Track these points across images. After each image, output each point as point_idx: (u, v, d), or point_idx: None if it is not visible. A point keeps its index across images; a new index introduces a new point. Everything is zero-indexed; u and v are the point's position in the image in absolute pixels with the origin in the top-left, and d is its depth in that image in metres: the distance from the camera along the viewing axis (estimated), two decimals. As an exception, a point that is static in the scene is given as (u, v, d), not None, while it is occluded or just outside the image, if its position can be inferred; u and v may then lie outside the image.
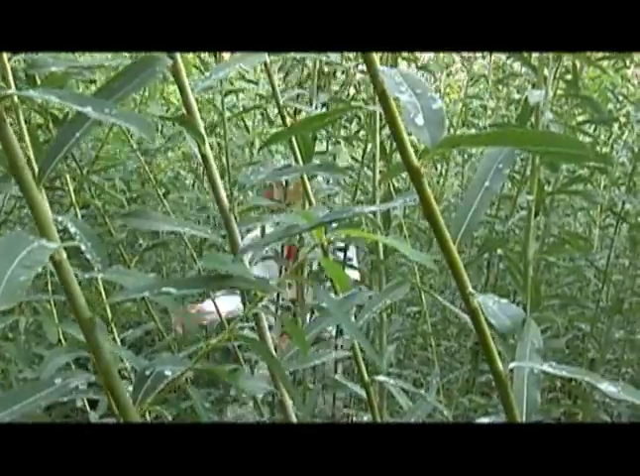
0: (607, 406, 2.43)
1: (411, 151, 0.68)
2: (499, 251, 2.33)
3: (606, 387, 0.75)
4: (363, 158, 2.32)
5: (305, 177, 1.18)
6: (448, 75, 3.15)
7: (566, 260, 2.54)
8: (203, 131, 0.94)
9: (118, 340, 1.74)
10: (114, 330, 1.74)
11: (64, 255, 0.72)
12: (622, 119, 2.72)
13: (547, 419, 2.22)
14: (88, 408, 1.80)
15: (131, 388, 0.79)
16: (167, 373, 0.77)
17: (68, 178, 1.78)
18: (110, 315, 1.65)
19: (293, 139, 1.17)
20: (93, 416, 1.75)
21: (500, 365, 0.76)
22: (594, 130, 2.78)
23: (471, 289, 0.72)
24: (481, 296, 0.70)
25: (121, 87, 0.74)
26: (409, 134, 0.68)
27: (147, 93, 2.48)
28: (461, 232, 0.75)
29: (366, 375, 1.24)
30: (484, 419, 0.87)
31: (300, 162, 1.15)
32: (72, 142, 0.71)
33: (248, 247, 0.80)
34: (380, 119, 1.74)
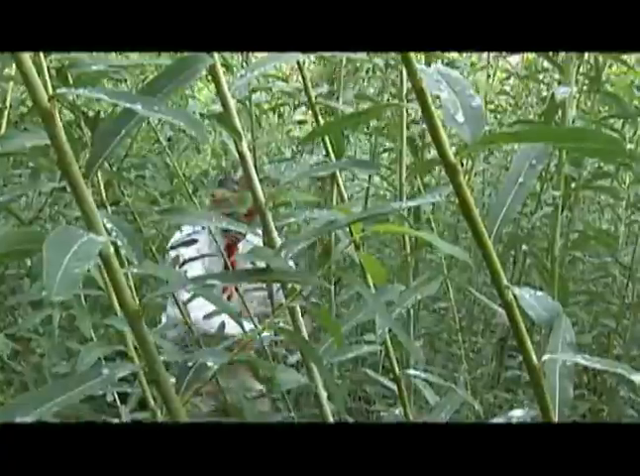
0: (633, 402, 2.43)
1: (448, 147, 0.70)
2: (524, 247, 2.34)
3: (639, 379, 0.76)
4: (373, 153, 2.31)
5: (337, 173, 1.20)
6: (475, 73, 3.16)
7: (591, 256, 2.54)
8: (240, 128, 0.96)
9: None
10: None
11: (112, 249, 0.74)
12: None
13: (573, 415, 2.23)
14: (119, 402, 1.82)
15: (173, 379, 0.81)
16: (210, 364, 0.79)
17: (99, 175, 1.80)
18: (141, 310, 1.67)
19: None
20: (124, 411, 1.77)
21: (535, 358, 0.78)
22: (622, 127, 2.78)
23: (506, 282, 0.74)
24: (517, 288, 0.72)
25: (164, 86, 0.76)
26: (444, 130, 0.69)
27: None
28: (496, 227, 0.76)
29: (397, 369, 1.26)
30: (518, 412, 0.88)
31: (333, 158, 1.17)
32: (119, 138, 0.73)
33: (289, 242, 0.81)
34: (407, 116, 1.75)
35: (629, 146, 2.66)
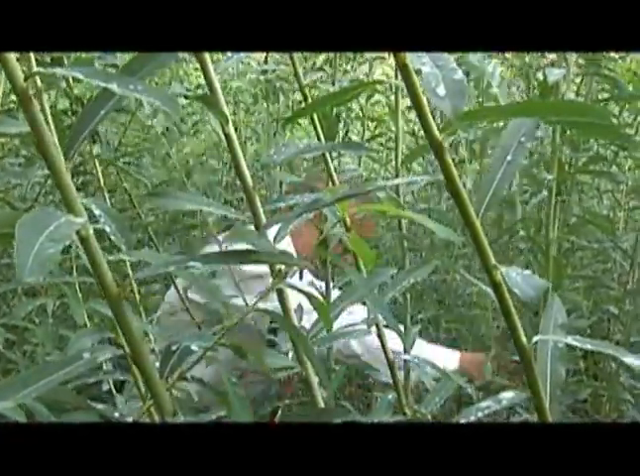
0: (632, 388, 2.42)
1: (433, 124, 0.68)
2: (521, 232, 2.32)
3: (631, 361, 0.75)
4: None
5: (328, 156, 1.19)
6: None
7: (591, 242, 2.53)
8: (226, 110, 0.95)
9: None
10: (142, 314, 1.76)
11: (91, 231, 0.72)
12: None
13: (575, 402, 2.23)
14: (114, 391, 1.82)
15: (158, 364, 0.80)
16: (194, 348, 0.78)
17: (97, 163, 1.79)
18: (138, 298, 1.67)
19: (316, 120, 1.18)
20: (120, 400, 1.76)
21: (524, 339, 0.77)
22: (620, 113, 2.77)
23: (494, 262, 0.73)
24: (505, 268, 0.70)
25: (142, 67, 0.75)
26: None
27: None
28: (484, 205, 0.75)
29: (391, 354, 1.25)
30: (508, 394, 0.87)
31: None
32: (98, 119, 0.72)
33: (272, 221, 0.80)
34: (403, 97, 1.74)
35: (628, 131, 2.63)
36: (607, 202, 2.98)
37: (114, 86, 0.64)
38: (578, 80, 2.37)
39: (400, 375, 1.31)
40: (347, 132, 3.12)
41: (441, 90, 0.60)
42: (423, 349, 2.17)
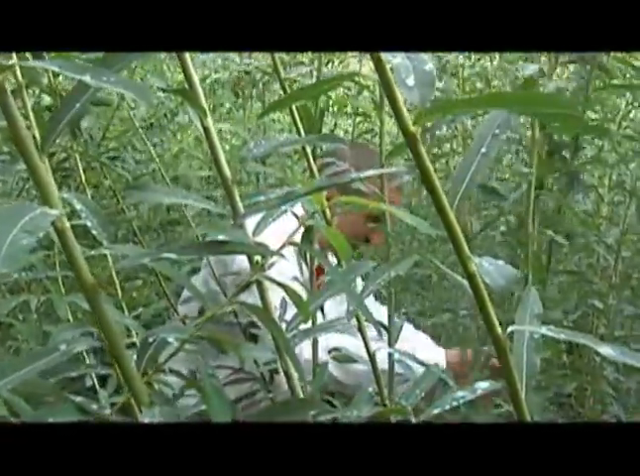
0: (617, 382, 2.43)
1: (407, 116, 0.69)
2: (502, 228, 2.33)
3: (605, 350, 0.76)
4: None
5: (308, 149, 1.19)
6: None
7: (572, 237, 2.54)
8: (205, 103, 0.95)
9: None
10: (125, 310, 1.76)
11: (67, 223, 0.73)
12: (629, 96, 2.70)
13: (560, 395, 2.25)
14: (98, 386, 1.82)
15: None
16: (171, 340, 0.78)
17: (78, 158, 1.79)
18: (120, 293, 1.67)
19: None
20: (103, 395, 1.76)
21: (499, 329, 0.77)
22: (602, 107, 2.77)
23: (468, 252, 0.73)
24: (478, 258, 0.71)
25: (120, 59, 0.75)
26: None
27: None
28: (458, 197, 0.75)
29: (372, 347, 1.25)
30: (483, 384, 0.88)
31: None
32: (74, 111, 0.72)
33: (248, 213, 0.80)
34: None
35: (612, 126, 2.64)
36: (592, 196, 3.00)
37: (87, 78, 0.64)
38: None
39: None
40: (334, 129, 3.12)
41: (410, 81, 0.60)
42: (414, 336, 2.17)
